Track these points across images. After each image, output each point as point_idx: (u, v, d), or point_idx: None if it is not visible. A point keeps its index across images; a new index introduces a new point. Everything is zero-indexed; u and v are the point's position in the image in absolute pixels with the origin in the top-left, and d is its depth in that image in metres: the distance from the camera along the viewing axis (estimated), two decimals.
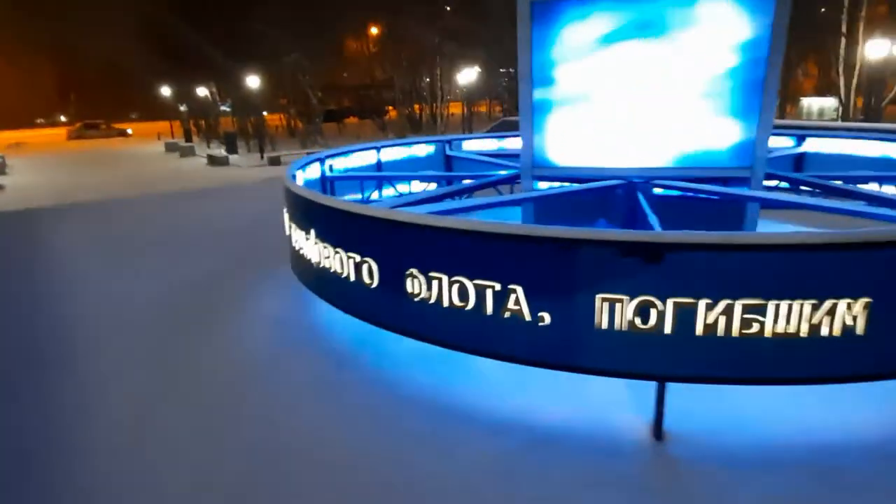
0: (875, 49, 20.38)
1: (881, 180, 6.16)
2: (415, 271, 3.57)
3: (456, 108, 43.19)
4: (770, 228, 6.15)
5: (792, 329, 2.90)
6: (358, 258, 3.92)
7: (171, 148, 36.15)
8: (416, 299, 3.62)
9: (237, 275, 6.49)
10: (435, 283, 3.50)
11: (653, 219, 4.18)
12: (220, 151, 32.08)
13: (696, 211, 5.27)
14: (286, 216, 5.24)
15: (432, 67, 38.22)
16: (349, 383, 4.06)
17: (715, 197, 5.01)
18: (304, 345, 4.69)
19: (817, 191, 5.60)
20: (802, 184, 5.42)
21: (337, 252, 4.10)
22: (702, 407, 3.51)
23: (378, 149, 7.84)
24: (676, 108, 4.96)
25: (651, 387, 3.43)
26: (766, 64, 4.71)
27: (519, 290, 3.24)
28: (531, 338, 3.30)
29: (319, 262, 4.37)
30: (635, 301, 3.01)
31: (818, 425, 3.42)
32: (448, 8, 37.01)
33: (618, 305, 3.05)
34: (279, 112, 42.79)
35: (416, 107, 43.32)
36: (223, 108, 39.37)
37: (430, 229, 3.46)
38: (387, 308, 3.87)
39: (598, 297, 3.08)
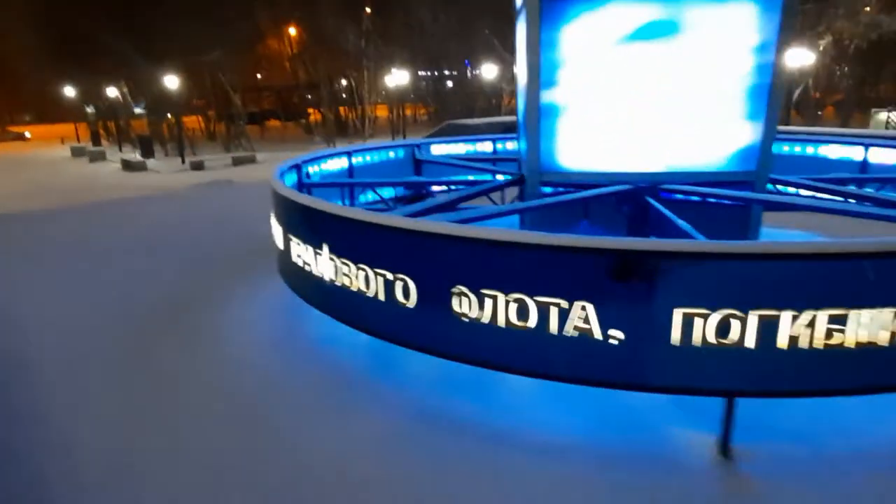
0: None
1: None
2: (464, 289, 3.27)
3: (382, 111, 42.61)
4: (780, 235, 6.22)
5: (871, 338, 2.84)
6: (390, 276, 3.56)
7: (77, 153, 33.58)
8: (464, 319, 3.31)
9: (219, 287, 5.93)
10: (489, 302, 3.21)
11: (684, 225, 4.08)
12: (135, 156, 30.05)
13: (700, 215, 5.26)
14: (279, 228, 4.77)
15: (357, 69, 37.58)
16: (367, 403, 3.72)
17: (726, 202, 5.01)
18: (307, 364, 4.28)
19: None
20: (803, 186, 5.53)
21: (361, 269, 3.72)
22: (754, 420, 3.42)
23: (350, 154, 7.42)
24: (685, 111, 4.91)
25: (696, 402, 3.31)
26: (772, 69, 4.74)
27: (590, 307, 3.02)
28: (598, 357, 3.08)
29: (334, 280, 3.96)
30: (717, 315, 2.86)
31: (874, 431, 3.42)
32: (368, 10, 36.49)
33: (697, 320, 2.89)
34: (196, 114, 40.67)
35: (342, 110, 42.45)
36: (137, 109, 36.89)
37: (486, 243, 3.17)
38: (425, 330, 3.54)
39: (677, 311, 2.91)
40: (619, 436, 3.40)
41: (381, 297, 3.64)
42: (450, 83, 44.48)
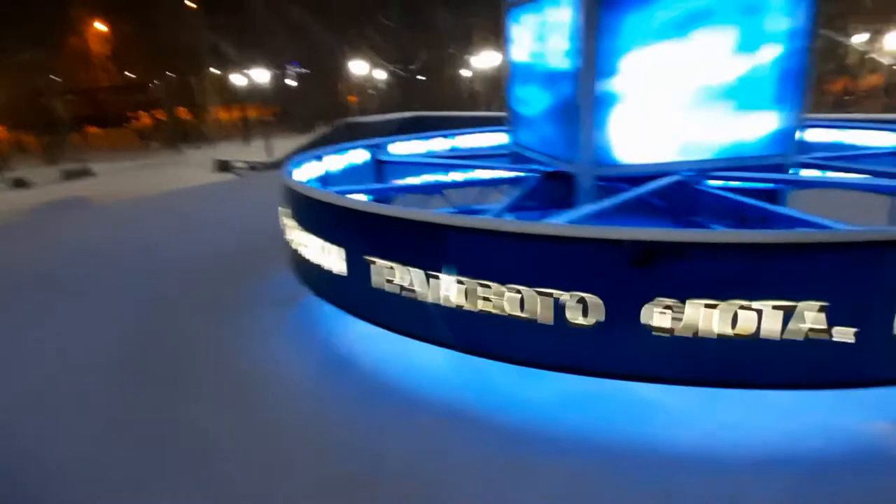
0: None
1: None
2: (668, 301, 2.89)
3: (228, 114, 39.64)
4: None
5: None
6: (563, 294, 3.06)
7: None
8: (659, 335, 2.94)
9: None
10: (691, 310, 2.87)
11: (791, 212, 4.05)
12: None
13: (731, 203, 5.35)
14: (339, 250, 3.98)
15: (198, 68, 34.52)
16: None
17: (772, 185, 5.12)
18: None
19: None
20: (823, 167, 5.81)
21: (512, 290, 3.16)
22: None
23: (320, 157, 6.55)
24: (728, 96, 4.92)
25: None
26: (802, 54, 4.91)
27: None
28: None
29: (464, 306, 3.35)
30: None
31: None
32: (194, 5, 33.63)
33: None
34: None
35: (181, 111, 38.75)
36: None
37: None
38: (607, 351, 3.10)
39: None
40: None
41: (547, 320, 3.13)
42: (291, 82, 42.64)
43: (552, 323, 3.13)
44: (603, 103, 4.74)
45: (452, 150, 8.26)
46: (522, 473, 3.01)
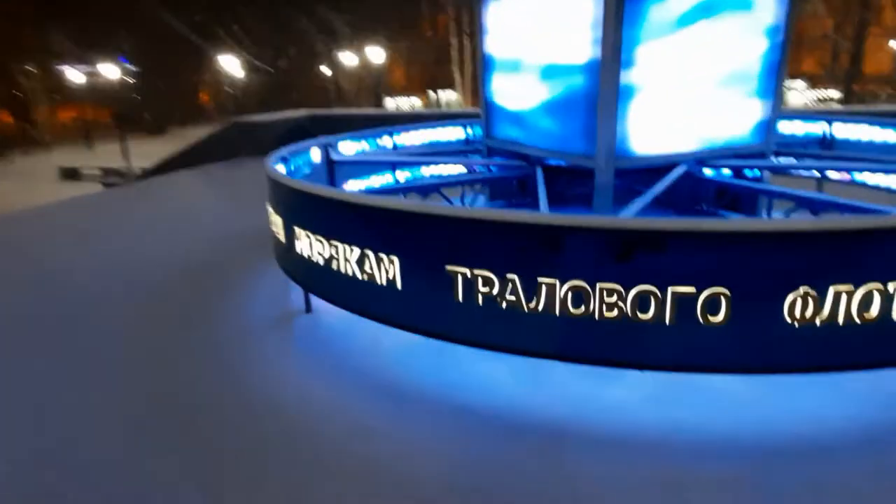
0: None
1: None
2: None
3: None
4: None
5: None
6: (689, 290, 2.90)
7: None
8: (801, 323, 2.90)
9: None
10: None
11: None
12: None
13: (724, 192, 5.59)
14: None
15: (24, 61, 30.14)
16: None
17: (758, 172, 5.38)
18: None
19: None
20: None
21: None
22: None
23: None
24: (725, 88, 5.09)
25: None
26: (782, 48, 5.22)
27: None
28: None
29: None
30: None
31: None
32: None
33: None
34: None
35: (3, 114, 33.56)
36: None
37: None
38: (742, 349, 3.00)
39: None
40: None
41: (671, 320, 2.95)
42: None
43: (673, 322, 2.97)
44: (623, 95, 4.68)
45: (398, 147, 7.84)
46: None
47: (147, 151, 28.33)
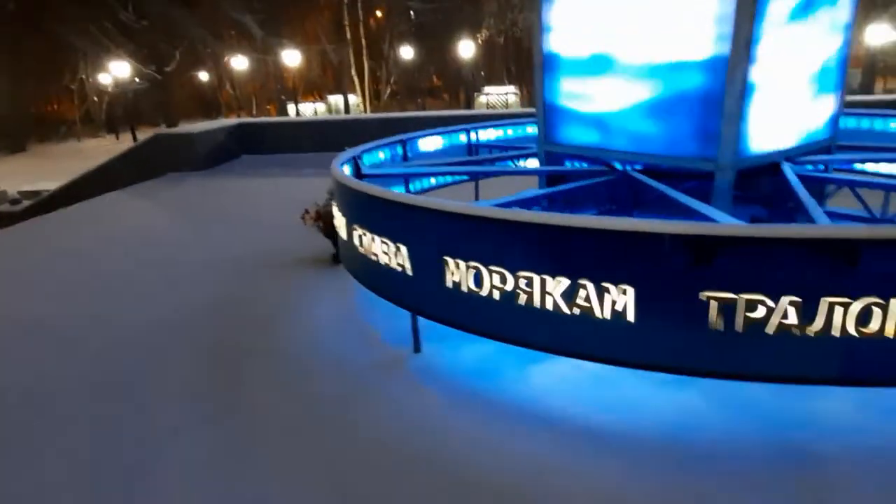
0: None
1: None
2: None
3: None
4: None
5: None
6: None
7: None
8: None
9: None
10: None
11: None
12: None
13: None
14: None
15: None
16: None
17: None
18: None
19: None
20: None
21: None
22: None
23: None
24: (814, 84, 5.09)
25: None
26: (849, 45, 5.33)
27: None
28: None
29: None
30: None
31: None
32: None
33: None
34: None
35: None
36: None
37: None
38: None
39: None
40: None
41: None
42: None
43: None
44: (747, 93, 4.50)
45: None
46: None
47: (12, 171, 24.86)
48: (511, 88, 31.92)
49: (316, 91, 38.12)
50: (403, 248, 3.89)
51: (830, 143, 5.58)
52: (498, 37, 26.55)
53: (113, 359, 4.62)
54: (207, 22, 28.82)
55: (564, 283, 3.19)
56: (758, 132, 4.73)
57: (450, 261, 3.59)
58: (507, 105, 30.66)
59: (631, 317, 3.09)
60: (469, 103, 30.66)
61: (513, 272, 3.34)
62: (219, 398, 3.98)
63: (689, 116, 4.75)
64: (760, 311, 2.85)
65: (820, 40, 4.97)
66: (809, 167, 5.45)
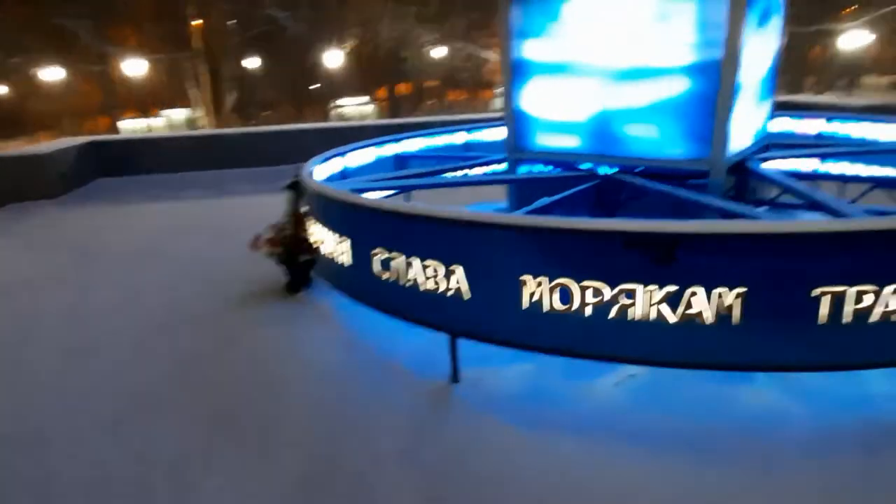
0: None
1: None
2: None
3: None
4: None
5: None
6: None
7: None
8: None
9: None
10: None
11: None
12: None
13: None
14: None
15: None
16: None
17: None
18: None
19: None
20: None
21: None
22: None
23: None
24: (762, 88, 5.53)
25: None
26: (780, 51, 5.89)
27: None
28: None
29: None
30: None
31: None
32: None
33: None
34: None
35: None
36: None
37: None
38: None
39: None
40: None
41: None
42: None
43: None
44: (735, 95, 4.74)
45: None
46: None
47: None
48: (366, 99, 31.82)
49: (149, 104, 34.54)
50: (460, 270, 3.52)
51: (768, 143, 6.13)
52: (364, 48, 26.14)
53: None
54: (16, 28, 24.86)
55: (670, 290, 3.07)
56: (736, 133, 5.02)
57: (529, 279, 3.30)
58: (363, 116, 30.48)
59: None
60: (326, 116, 29.94)
61: (612, 286, 3.14)
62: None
63: (679, 119, 4.90)
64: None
65: (770, 45, 5.43)
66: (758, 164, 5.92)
